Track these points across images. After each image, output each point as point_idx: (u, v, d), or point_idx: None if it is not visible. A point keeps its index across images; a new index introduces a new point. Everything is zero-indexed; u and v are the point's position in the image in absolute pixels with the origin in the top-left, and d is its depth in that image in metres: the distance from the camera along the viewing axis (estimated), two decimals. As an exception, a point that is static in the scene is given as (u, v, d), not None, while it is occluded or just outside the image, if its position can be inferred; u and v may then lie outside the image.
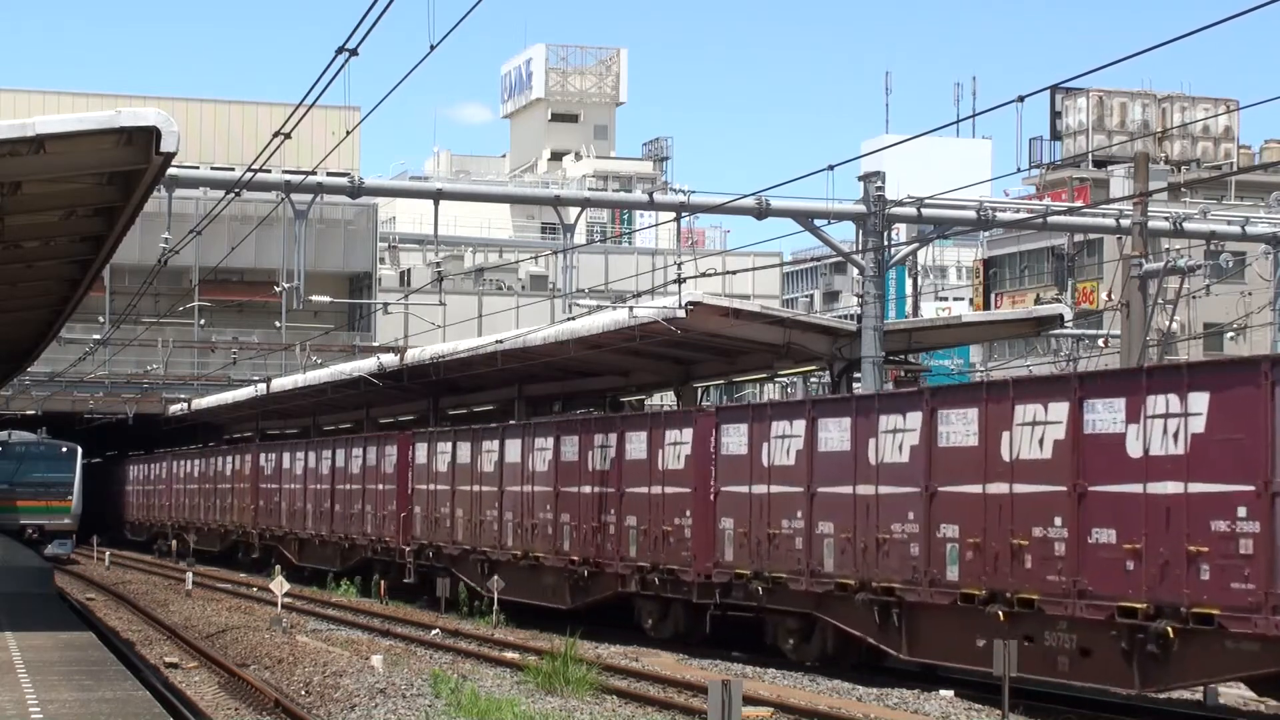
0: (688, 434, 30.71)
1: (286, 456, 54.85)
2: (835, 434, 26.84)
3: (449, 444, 41.16)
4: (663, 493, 31.24)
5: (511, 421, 42.07)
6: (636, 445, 32.29)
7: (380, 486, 45.31)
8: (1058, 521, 22.32)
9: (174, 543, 66.50)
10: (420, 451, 42.85)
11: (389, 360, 50.10)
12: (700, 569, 29.93)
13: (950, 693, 24.59)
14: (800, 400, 30.29)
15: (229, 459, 62.13)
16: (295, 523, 53.22)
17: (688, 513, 30.46)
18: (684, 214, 41.06)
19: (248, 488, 58.34)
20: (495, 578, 36.40)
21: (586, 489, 33.89)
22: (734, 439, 29.40)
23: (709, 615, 30.21)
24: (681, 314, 35.26)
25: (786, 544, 27.73)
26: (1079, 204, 62.77)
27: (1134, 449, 21.25)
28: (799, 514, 27.51)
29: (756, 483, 28.57)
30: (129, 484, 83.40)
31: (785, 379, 58.52)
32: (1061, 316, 42.19)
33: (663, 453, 31.28)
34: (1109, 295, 61.09)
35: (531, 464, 36.47)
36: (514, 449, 37.49)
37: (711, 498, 29.78)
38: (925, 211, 37.81)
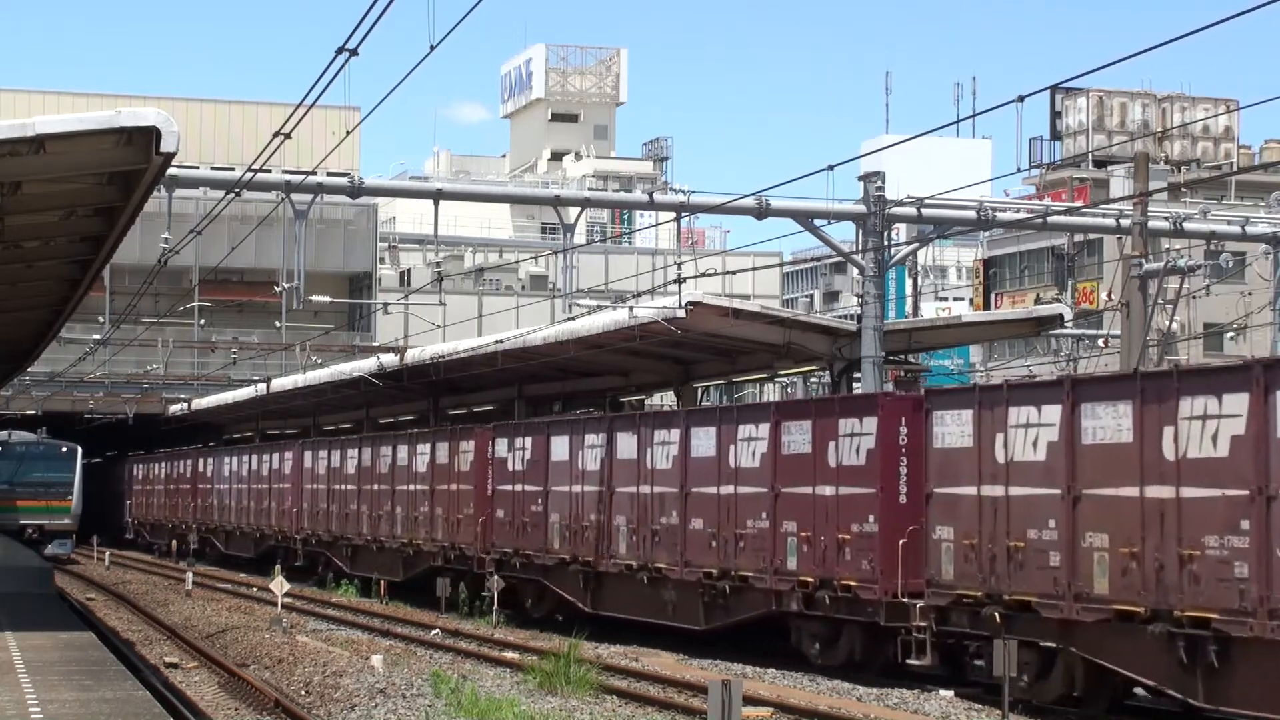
0: None
1: (562, 442, 35.69)
2: None
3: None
4: None
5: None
6: None
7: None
8: None
9: (174, 543, 66.40)
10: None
11: (389, 360, 50.11)
12: None
13: (950, 693, 24.56)
14: None
15: (418, 448, 43.41)
16: (578, 545, 34.42)
17: None
18: (684, 214, 41.06)
19: (472, 489, 39.54)
20: (496, 577, 36.38)
21: None
22: None
23: None
24: (681, 314, 35.26)
25: None
26: (1079, 204, 62.76)
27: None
28: None
29: None
30: (215, 481, 64.11)
31: (785, 379, 58.53)
32: (1061, 316, 42.20)
33: None
34: (1109, 295, 61.06)
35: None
36: None
37: None
38: (925, 211, 37.83)
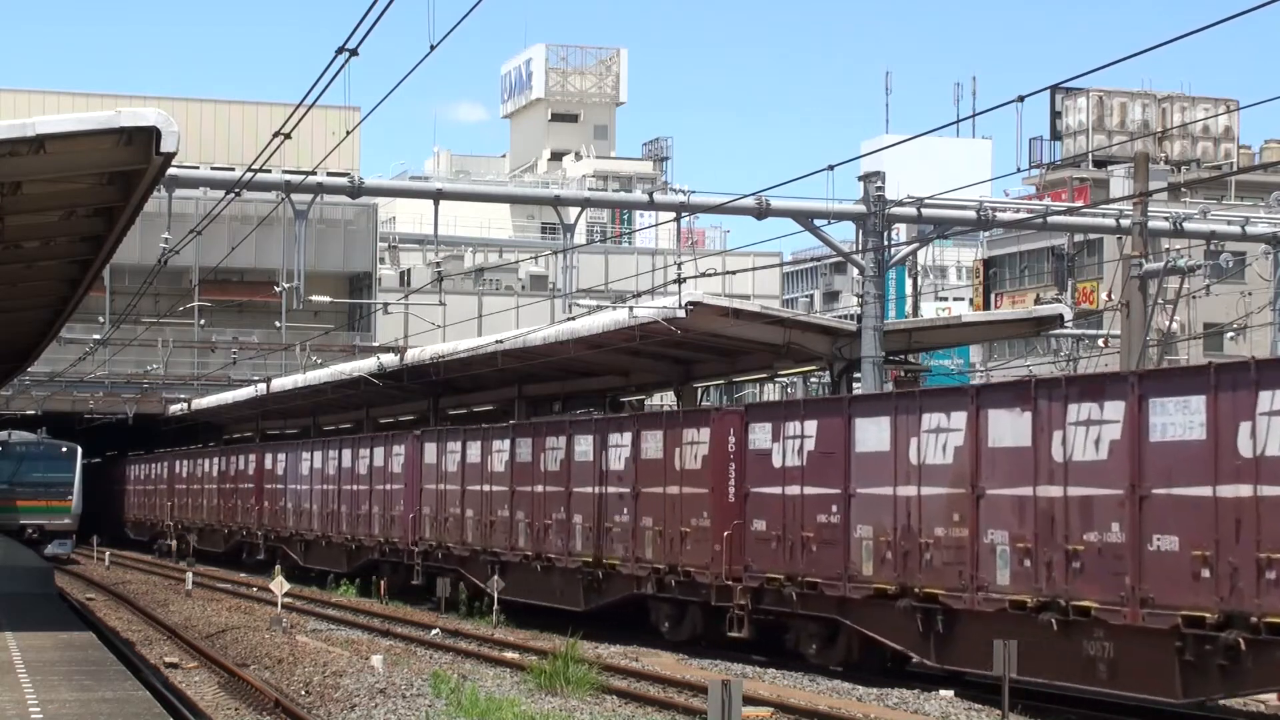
0: None
1: (875, 425, 25.97)
2: None
3: None
4: None
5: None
6: None
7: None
8: None
9: (173, 542, 66.35)
10: None
11: (389, 360, 50.13)
12: None
13: (950, 693, 24.54)
14: None
15: (611, 438, 33.57)
16: (908, 571, 25.11)
17: None
18: (684, 214, 41.08)
19: (706, 493, 29.92)
20: (495, 578, 36.33)
21: None
22: None
23: None
24: (681, 314, 35.27)
25: None
26: (1079, 204, 62.76)
27: None
28: None
29: None
30: (290, 480, 54.19)
31: (785, 379, 58.53)
32: (1061, 316, 42.20)
33: None
34: (1109, 295, 61.05)
35: None
36: None
37: None
38: (925, 211, 37.87)
